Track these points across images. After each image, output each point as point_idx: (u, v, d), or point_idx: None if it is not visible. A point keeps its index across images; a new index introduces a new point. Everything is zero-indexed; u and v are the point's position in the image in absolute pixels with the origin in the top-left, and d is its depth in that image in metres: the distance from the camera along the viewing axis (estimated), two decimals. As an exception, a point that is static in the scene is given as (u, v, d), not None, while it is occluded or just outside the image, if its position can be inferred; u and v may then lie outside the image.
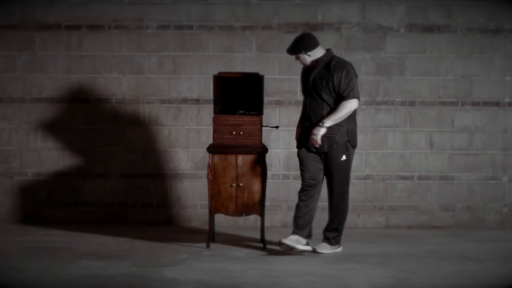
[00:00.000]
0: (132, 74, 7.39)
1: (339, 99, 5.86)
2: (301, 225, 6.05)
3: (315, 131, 5.86)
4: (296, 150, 6.17)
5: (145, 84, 7.39)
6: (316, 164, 6.01)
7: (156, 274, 5.23)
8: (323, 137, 5.87)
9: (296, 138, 6.19)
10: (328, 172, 5.99)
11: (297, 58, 6.02)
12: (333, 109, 5.87)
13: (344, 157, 5.93)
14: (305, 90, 6.03)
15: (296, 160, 7.38)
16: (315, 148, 5.93)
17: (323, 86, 5.87)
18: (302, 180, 6.09)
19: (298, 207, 6.10)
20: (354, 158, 7.39)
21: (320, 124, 5.84)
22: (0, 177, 7.39)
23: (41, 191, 7.39)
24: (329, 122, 5.85)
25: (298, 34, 7.38)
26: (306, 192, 6.06)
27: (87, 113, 7.39)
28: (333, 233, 6.11)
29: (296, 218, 6.09)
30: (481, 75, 7.42)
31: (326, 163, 5.97)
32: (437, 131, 7.42)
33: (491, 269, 5.50)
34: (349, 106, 5.86)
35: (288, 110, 7.37)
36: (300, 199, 6.09)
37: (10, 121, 7.40)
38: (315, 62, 5.96)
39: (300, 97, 7.35)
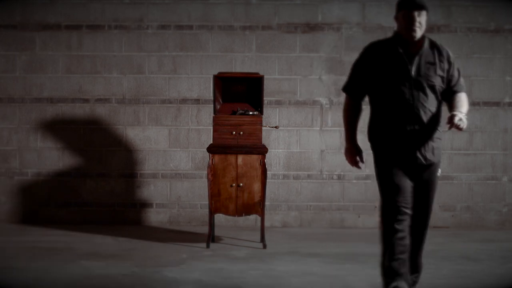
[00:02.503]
0: (132, 74, 7.39)
1: (449, 92, 4.50)
2: (405, 272, 4.46)
3: (460, 116, 4.28)
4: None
5: (145, 84, 7.39)
6: (409, 185, 4.49)
7: (156, 274, 5.23)
8: (431, 144, 4.46)
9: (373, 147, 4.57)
10: (421, 191, 4.51)
11: (413, 24, 4.39)
12: (455, 100, 4.45)
13: (440, 172, 4.63)
14: (397, 80, 4.40)
15: (296, 160, 7.41)
16: (425, 160, 4.45)
17: (437, 74, 4.44)
18: (394, 207, 4.40)
19: (393, 244, 4.38)
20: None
21: (460, 111, 4.35)
22: (0, 177, 7.39)
23: (41, 191, 7.38)
24: (465, 113, 4.40)
25: (298, 34, 7.43)
26: (402, 221, 4.39)
27: (87, 113, 7.39)
28: (416, 274, 4.71)
29: (395, 263, 4.41)
30: (481, 75, 7.42)
31: (419, 180, 4.49)
32: (437, 131, 7.42)
33: (491, 269, 5.50)
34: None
35: (288, 110, 7.37)
36: (396, 231, 4.38)
37: (10, 121, 7.40)
38: (421, 41, 4.45)
39: (300, 97, 7.37)
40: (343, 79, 7.30)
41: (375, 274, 5.27)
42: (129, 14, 7.36)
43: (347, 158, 4.65)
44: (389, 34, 7.33)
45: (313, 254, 6.01)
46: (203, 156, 7.27)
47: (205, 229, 6.78)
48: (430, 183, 4.51)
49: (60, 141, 7.40)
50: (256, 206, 6.23)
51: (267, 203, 7.11)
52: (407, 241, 4.40)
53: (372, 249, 6.23)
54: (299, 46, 7.37)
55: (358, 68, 4.58)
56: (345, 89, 4.64)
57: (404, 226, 4.39)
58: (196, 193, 7.39)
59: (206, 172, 6.74)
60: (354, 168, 7.39)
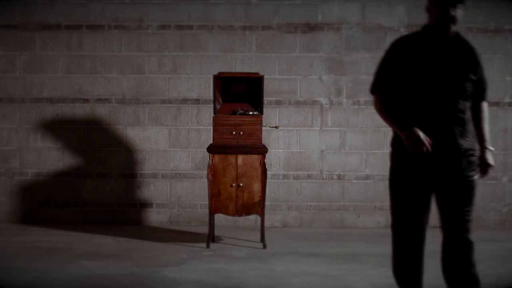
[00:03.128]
0: (132, 74, 7.39)
1: (475, 98, 4.06)
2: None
3: (492, 162, 4.05)
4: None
5: (145, 84, 7.39)
6: (427, 204, 4.09)
7: (156, 274, 5.23)
8: (464, 159, 3.99)
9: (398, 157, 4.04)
10: (453, 205, 4.05)
11: (447, 19, 3.96)
12: (480, 117, 4.07)
13: (476, 177, 4.05)
14: (425, 80, 3.94)
15: (296, 160, 7.41)
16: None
17: (468, 77, 3.97)
18: (411, 226, 4.05)
19: (407, 274, 4.09)
20: (353, 158, 7.44)
21: (488, 147, 4.06)
22: (0, 177, 7.39)
23: (41, 191, 7.38)
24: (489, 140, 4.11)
25: (298, 34, 7.43)
26: (417, 243, 4.06)
27: (87, 113, 7.39)
28: None
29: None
30: (481, 75, 7.42)
31: (449, 192, 4.01)
32: (437, 131, 7.42)
33: (491, 269, 5.49)
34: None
35: (288, 110, 7.37)
36: (411, 255, 4.07)
37: (10, 121, 7.40)
38: (454, 37, 4.01)
39: (300, 97, 7.37)
40: (343, 79, 7.37)
41: (375, 274, 5.27)
42: (129, 14, 7.36)
43: (412, 144, 3.86)
44: (389, 34, 7.40)
45: (313, 254, 6.01)
46: (203, 156, 7.27)
47: (205, 229, 6.78)
48: (461, 195, 4.00)
49: (60, 141, 7.40)
50: (256, 206, 6.23)
51: (267, 203, 7.11)
52: (420, 263, 4.07)
53: (372, 249, 6.23)
54: (299, 46, 7.37)
55: (385, 66, 4.04)
56: (375, 89, 4.08)
57: (417, 250, 4.05)
58: (196, 193, 7.39)
59: (206, 172, 6.74)
60: (354, 168, 7.45)
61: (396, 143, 4.03)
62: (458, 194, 3.99)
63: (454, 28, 3.97)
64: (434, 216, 7.67)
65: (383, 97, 4.04)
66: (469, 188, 4.00)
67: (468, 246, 4.08)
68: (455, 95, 3.93)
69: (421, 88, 3.92)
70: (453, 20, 3.94)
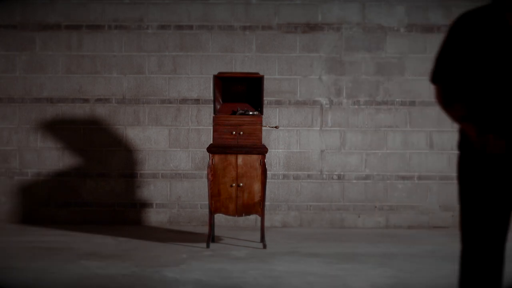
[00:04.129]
0: (132, 74, 7.39)
1: None
2: None
3: None
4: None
5: (145, 84, 7.39)
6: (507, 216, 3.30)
7: (156, 274, 5.23)
8: None
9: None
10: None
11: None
12: None
13: None
14: (500, 67, 3.17)
15: (296, 160, 7.41)
16: None
17: None
18: (482, 245, 3.26)
19: None
20: (353, 158, 7.45)
21: None
22: (0, 177, 7.39)
23: (41, 191, 7.38)
24: None
25: (298, 34, 7.43)
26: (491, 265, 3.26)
27: (87, 113, 7.39)
28: None
29: None
30: (481, 75, 7.42)
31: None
32: (437, 131, 7.42)
33: (491, 269, 5.49)
34: None
35: (288, 110, 7.37)
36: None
37: (10, 121, 7.40)
38: None
39: (300, 97, 7.37)
40: (343, 79, 7.37)
41: (375, 274, 5.27)
42: (129, 14, 7.36)
43: (487, 145, 3.19)
44: (390, 34, 7.40)
45: (313, 254, 6.01)
46: (203, 156, 7.28)
47: (205, 229, 6.78)
48: None
49: (60, 141, 7.40)
50: (256, 206, 6.23)
51: (267, 203, 7.11)
52: None
53: (372, 249, 6.24)
54: (299, 46, 7.37)
55: (448, 49, 3.28)
56: (435, 78, 3.34)
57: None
58: (196, 193, 7.39)
59: (206, 172, 6.74)
60: (354, 168, 7.45)
61: (466, 145, 3.35)
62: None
63: None
64: (435, 216, 7.65)
65: (446, 88, 3.32)
66: None
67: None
68: None
69: (490, 76, 3.18)
70: None
